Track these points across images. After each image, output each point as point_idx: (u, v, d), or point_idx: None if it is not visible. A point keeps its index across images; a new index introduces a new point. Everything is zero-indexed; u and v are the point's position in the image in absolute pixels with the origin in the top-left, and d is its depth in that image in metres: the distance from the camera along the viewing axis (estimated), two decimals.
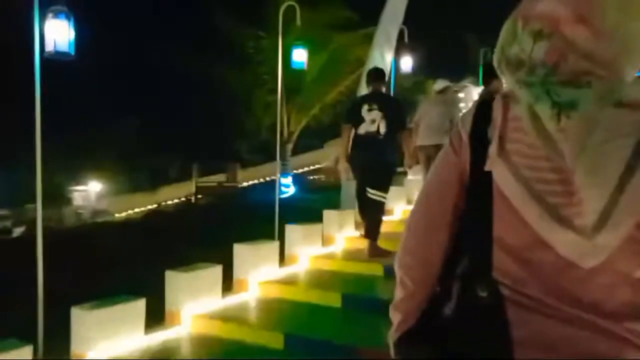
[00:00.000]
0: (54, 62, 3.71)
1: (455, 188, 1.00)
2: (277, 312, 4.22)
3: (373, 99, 5.33)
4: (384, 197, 5.19)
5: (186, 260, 4.60)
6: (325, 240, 5.87)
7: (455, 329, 0.94)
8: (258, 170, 21.06)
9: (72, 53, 3.68)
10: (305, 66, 6.21)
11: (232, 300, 4.39)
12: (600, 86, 0.84)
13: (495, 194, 0.92)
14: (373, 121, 5.15)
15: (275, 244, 5.03)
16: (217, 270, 4.31)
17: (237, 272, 4.66)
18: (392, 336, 1.10)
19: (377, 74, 5.55)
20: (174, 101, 31.17)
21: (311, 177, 20.78)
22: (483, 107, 0.99)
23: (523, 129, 0.89)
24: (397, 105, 5.55)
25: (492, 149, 0.92)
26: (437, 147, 5.95)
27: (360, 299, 4.17)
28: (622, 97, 0.84)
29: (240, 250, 4.69)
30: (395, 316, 1.10)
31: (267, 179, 18.60)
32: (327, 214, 6.10)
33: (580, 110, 0.83)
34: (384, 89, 5.63)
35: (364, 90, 6.44)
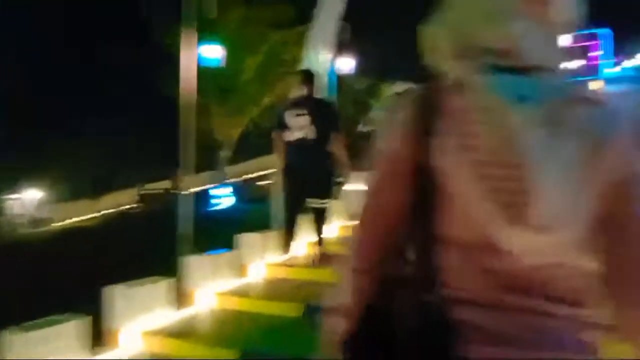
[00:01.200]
0: None
1: (399, 182, 0.91)
2: None
3: (301, 103, 4.90)
4: (326, 204, 4.99)
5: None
6: (241, 270, 4.96)
7: (403, 340, 0.86)
8: (202, 176, 20.08)
9: None
10: (220, 63, 5.31)
11: None
12: (552, 78, 0.84)
13: (441, 191, 0.85)
14: (301, 127, 4.78)
15: (168, 283, 4.06)
16: (79, 324, 3.32)
17: (109, 322, 3.63)
18: (331, 339, 0.98)
19: (305, 77, 5.11)
20: (115, 103, 29.67)
21: (259, 183, 19.82)
22: (423, 95, 0.91)
23: (473, 121, 0.83)
24: (328, 109, 5.11)
25: (439, 141, 0.85)
26: None
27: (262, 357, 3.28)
28: (571, 92, 0.84)
29: (113, 294, 3.69)
30: (333, 316, 0.99)
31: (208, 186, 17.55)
32: (244, 237, 5.19)
33: (533, 102, 0.80)
34: (314, 92, 5.11)
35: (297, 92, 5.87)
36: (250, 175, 22.10)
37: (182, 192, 6.65)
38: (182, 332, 3.72)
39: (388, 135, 0.94)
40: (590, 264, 0.85)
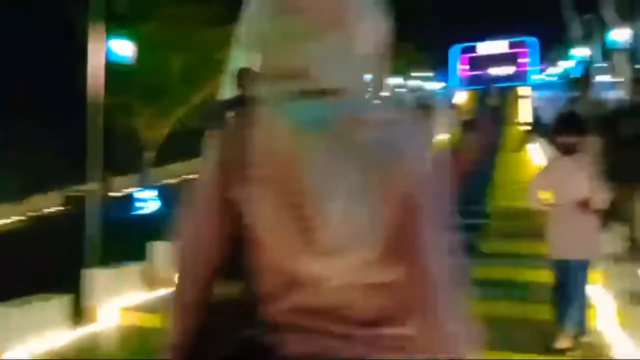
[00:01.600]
0: None
1: (214, 215, 0.90)
2: None
3: (237, 104, 4.57)
4: None
5: None
6: (153, 283, 4.63)
7: None
8: (132, 178, 19.33)
9: None
10: (131, 60, 4.99)
11: None
12: (350, 100, 0.84)
13: (249, 223, 0.85)
14: None
15: (61, 300, 3.70)
16: None
17: None
18: None
19: (242, 76, 4.72)
20: (40, 101, 28.11)
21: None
22: (235, 124, 0.93)
23: (268, 150, 0.83)
24: None
25: (244, 173, 0.84)
26: None
27: None
28: (364, 113, 0.84)
29: None
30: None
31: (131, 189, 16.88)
32: (159, 246, 4.80)
33: (323, 126, 0.81)
34: (249, 92, 4.78)
35: (226, 93, 5.69)
36: (185, 177, 21.50)
37: (91, 197, 6.10)
38: (76, 353, 3.41)
39: (204, 167, 0.93)
40: (390, 280, 0.85)
